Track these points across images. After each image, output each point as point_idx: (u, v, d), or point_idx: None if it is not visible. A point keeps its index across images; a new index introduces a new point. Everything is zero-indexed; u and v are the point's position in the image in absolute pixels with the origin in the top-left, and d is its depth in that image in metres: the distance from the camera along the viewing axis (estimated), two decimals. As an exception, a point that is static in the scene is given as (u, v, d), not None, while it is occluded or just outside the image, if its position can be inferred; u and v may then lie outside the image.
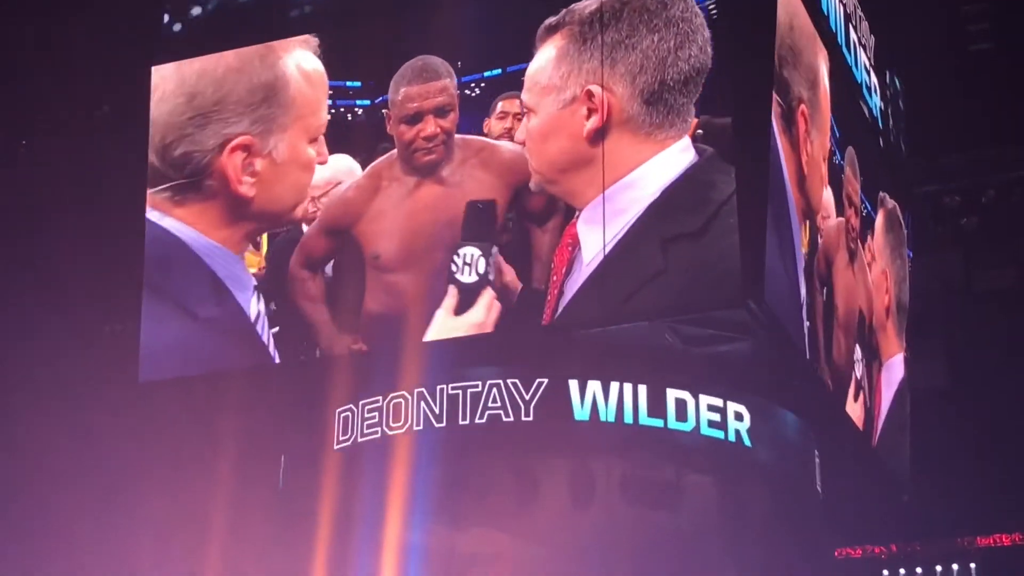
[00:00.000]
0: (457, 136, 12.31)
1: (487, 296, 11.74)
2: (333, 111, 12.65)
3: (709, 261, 11.16)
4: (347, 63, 12.73)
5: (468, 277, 11.76)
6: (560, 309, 11.72)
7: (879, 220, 15.00)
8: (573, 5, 11.48)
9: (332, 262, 12.72)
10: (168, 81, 11.92)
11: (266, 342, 12.35)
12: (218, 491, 15.24)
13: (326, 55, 12.41)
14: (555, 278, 11.78)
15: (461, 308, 11.86)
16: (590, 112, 11.27)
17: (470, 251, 11.78)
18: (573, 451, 14.48)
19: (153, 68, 12.67)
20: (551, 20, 11.56)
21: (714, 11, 11.65)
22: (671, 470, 14.92)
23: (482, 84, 12.40)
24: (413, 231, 12.22)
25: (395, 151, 12.52)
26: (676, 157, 11.24)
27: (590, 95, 11.24)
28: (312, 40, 12.13)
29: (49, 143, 16.12)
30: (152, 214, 11.98)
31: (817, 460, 15.69)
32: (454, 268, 11.78)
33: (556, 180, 11.66)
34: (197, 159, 11.73)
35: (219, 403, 14.10)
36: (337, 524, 14.61)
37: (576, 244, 11.66)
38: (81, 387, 15.72)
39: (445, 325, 11.86)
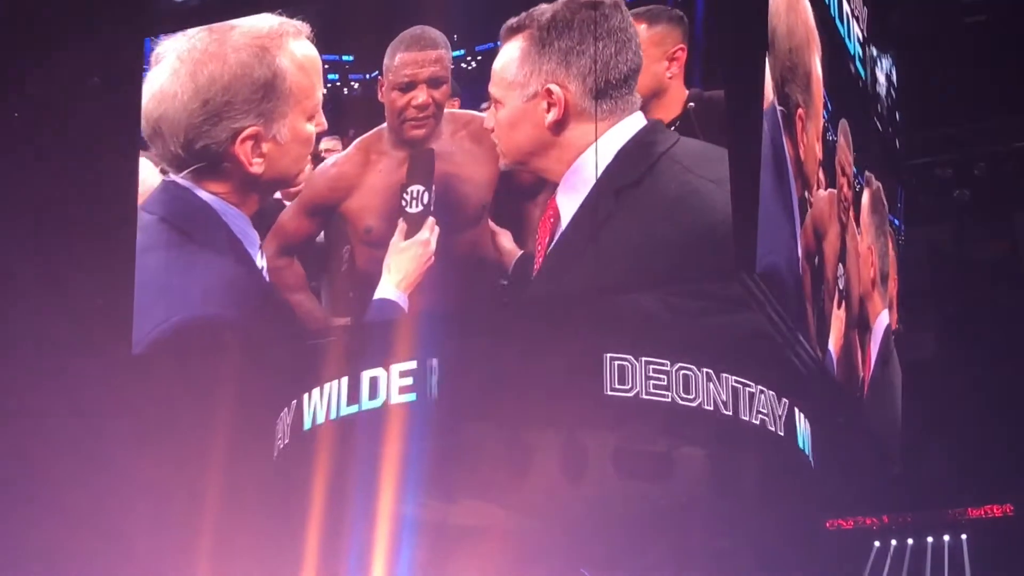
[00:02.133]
0: (446, 111, 13.15)
1: (430, 221, 13.00)
2: (329, 85, 13.48)
3: (651, 206, 12.31)
4: (341, 37, 13.63)
5: (415, 208, 13.06)
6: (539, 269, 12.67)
7: (865, 199, 15.25)
8: (532, 10, 12.82)
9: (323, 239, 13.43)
10: (186, 90, 13.02)
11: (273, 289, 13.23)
12: (212, 462, 15.32)
13: (319, 30, 13.21)
14: (539, 248, 12.66)
15: (410, 234, 13.03)
16: (550, 106, 12.55)
17: (416, 188, 13.08)
18: (565, 423, 14.63)
19: (156, 78, 13.03)
20: (513, 21, 12.81)
21: None
22: (663, 442, 15.05)
23: (478, 57, 13.27)
24: (401, 205, 13.13)
25: (383, 126, 13.22)
26: (629, 126, 12.51)
27: (550, 92, 12.56)
28: (304, 27, 13.16)
29: (40, 114, 16.07)
30: (186, 183, 13.08)
31: (807, 428, 15.79)
32: (404, 203, 13.08)
33: (525, 161, 12.80)
34: (214, 149, 12.99)
35: (214, 373, 14.36)
36: (330, 496, 14.70)
37: (557, 216, 12.56)
38: (75, 358, 15.73)
39: (399, 247, 13.05)
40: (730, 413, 14.89)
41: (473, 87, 13.17)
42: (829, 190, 13.80)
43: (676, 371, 14.82)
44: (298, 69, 13.11)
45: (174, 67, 13.01)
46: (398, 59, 13.10)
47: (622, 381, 14.76)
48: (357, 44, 13.65)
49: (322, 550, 15.08)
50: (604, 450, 14.89)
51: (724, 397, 14.89)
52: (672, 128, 12.56)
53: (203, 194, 13.07)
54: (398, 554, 14.89)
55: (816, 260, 13.52)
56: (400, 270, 12.96)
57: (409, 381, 14.70)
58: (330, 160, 13.37)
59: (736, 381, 14.98)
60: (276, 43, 13.21)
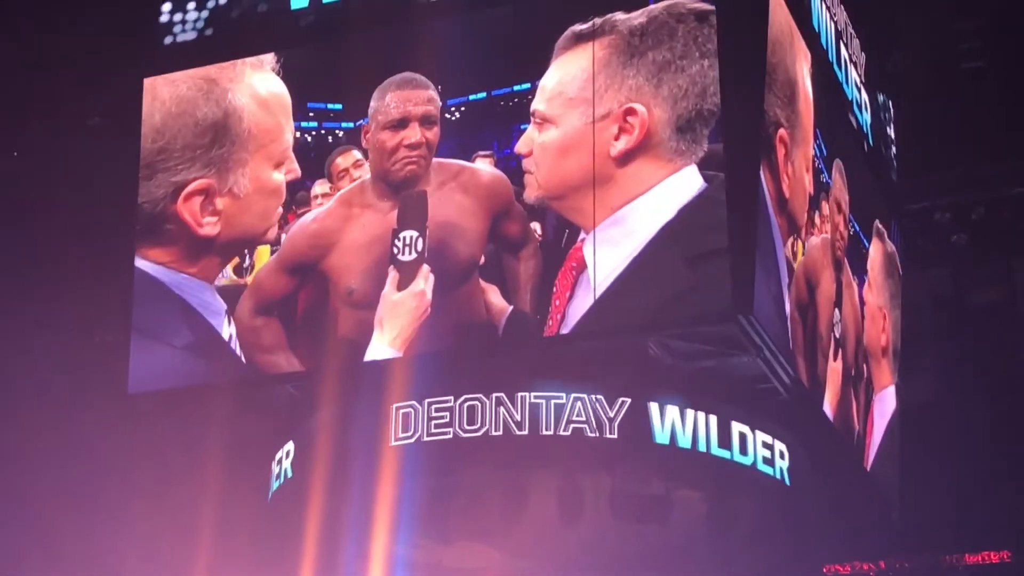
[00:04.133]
0: (434, 160, 12.09)
1: (424, 269, 11.72)
2: (315, 133, 12.37)
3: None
4: (329, 85, 12.46)
5: (408, 256, 11.76)
6: (568, 328, 11.65)
7: (876, 255, 14.77)
8: (614, 14, 11.08)
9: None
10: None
11: (244, 361, 12.26)
12: (205, 501, 15.18)
13: (305, 77, 12.18)
14: (558, 302, 11.64)
15: (403, 284, 11.81)
16: (621, 132, 10.95)
17: (409, 233, 11.80)
18: (561, 465, 14.49)
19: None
20: (581, 28, 11.16)
21: None
22: (660, 484, 14.92)
23: (463, 108, 12.16)
24: (387, 259, 12.10)
25: (366, 178, 12.16)
26: (687, 181, 11.10)
27: (630, 113, 10.90)
28: (266, 59, 11.80)
29: (40, 153, 16.08)
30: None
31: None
32: (395, 250, 11.75)
33: (565, 196, 11.41)
34: (148, 210, 11.53)
35: (206, 414, 14.02)
36: (323, 537, 14.59)
37: (581, 267, 11.43)
38: (70, 397, 15.68)
39: (392, 300, 11.78)
40: (526, 432, 13.52)
41: (457, 138, 12.07)
42: (822, 236, 13.40)
43: (460, 404, 13.41)
44: (260, 107, 11.72)
45: None
46: (389, 98, 12.04)
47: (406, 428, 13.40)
48: (347, 93, 12.39)
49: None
50: (599, 491, 14.74)
51: (518, 418, 13.55)
52: None
53: (144, 265, 11.65)
54: (392, 595, 14.77)
55: (809, 314, 13.09)
56: (394, 327, 11.80)
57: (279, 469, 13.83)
58: (310, 215, 12.18)
59: (536, 397, 13.50)
60: (228, 75, 11.74)
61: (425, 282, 11.76)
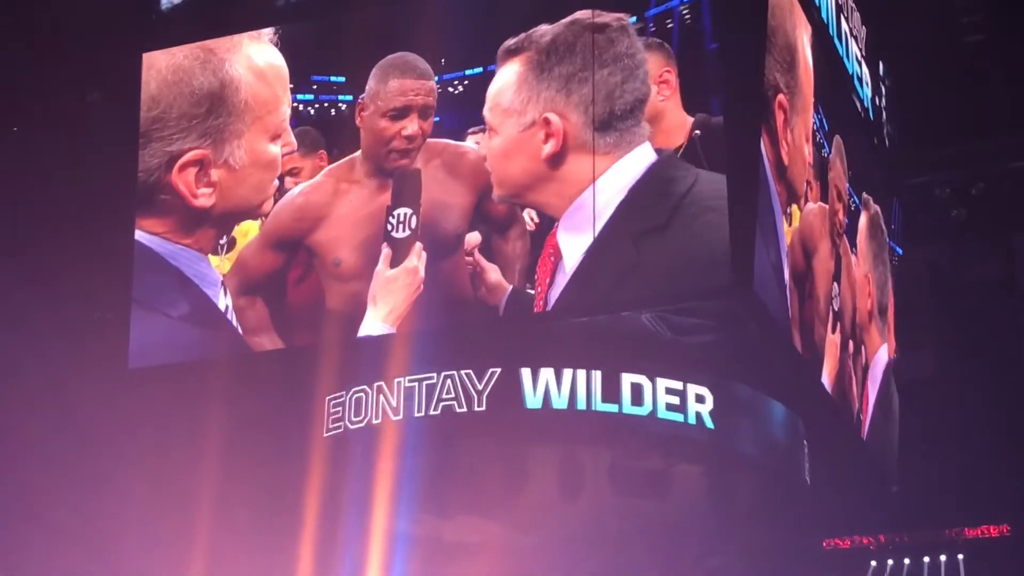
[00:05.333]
0: None
1: (417, 247, 12.01)
2: (316, 105, 12.46)
3: (678, 251, 11.54)
4: (331, 57, 12.56)
5: (402, 233, 12.03)
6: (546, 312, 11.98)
7: (863, 223, 14.97)
8: (531, 32, 11.78)
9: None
10: None
11: (241, 333, 12.29)
12: (205, 478, 15.20)
13: (308, 49, 12.23)
14: (539, 289, 11.94)
15: (396, 261, 12.04)
16: (548, 136, 11.61)
17: (403, 211, 12.06)
18: (560, 440, 14.52)
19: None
20: (511, 43, 11.85)
21: (687, 15, 12.09)
22: (659, 459, 14.94)
23: (465, 82, 12.42)
24: (376, 237, 12.18)
25: (355, 155, 12.29)
26: (636, 160, 11.61)
27: (548, 122, 11.61)
28: (264, 31, 11.84)
29: (39, 130, 16.05)
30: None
31: (806, 450, 15.71)
32: (389, 227, 12.02)
33: (520, 195, 11.94)
34: (143, 179, 11.46)
35: (205, 391, 13.99)
36: (324, 513, 14.59)
37: (558, 255, 11.86)
38: (69, 373, 15.68)
39: (385, 277, 12.01)
40: (401, 417, 14.22)
41: (459, 111, 12.31)
42: (819, 204, 13.46)
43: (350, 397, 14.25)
44: (257, 78, 11.62)
45: None
46: (391, 85, 12.15)
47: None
48: (349, 65, 12.46)
49: (316, 566, 14.96)
50: (599, 467, 14.77)
51: (394, 403, 14.21)
52: (678, 156, 11.71)
53: (140, 235, 11.63)
54: (392, 570, 14.80)
55: (805, 281, 13.18)
56: (388, 302, 11.99)
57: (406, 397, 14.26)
58: (296, 189, 12.20)
59: (410, 381, 14.11)
60: (225, 45, 11.72)
61: (418, 259, 12.04)
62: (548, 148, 11.63)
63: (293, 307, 12.42)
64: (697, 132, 11.82)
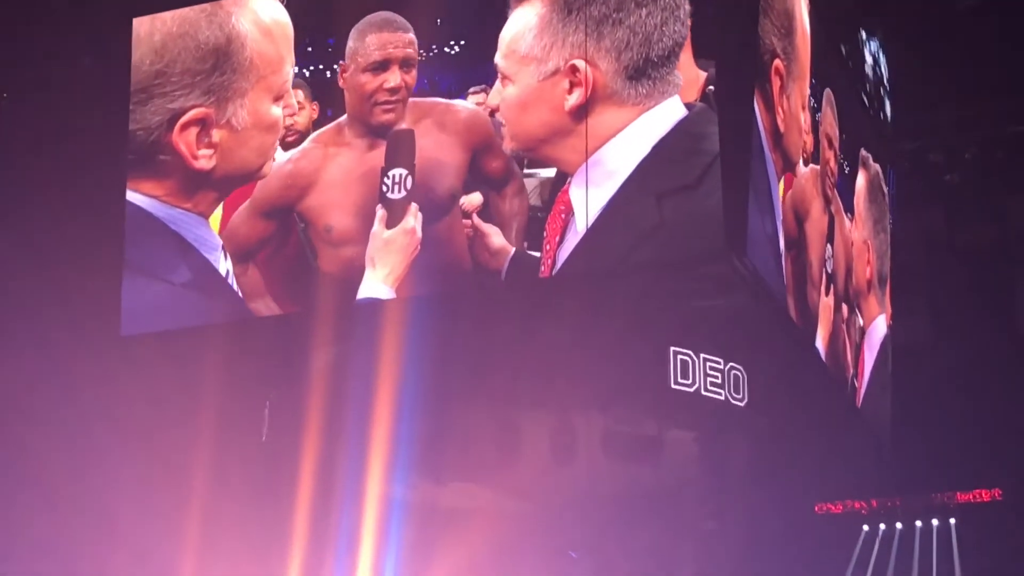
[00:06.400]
0: (409, 100, 12.03)
1: (413, 207, 11.65)
2: (311, 68, 12.21)
3: (705, 213, 11.01)
4: (324, 18, 12.31)
5: (397, 194, 11.71)
6: (555, 272, 11.59)
7: (861, 183, 14.82)
8: None
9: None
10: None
11: (241, 297, 12.24)
12: (199, 442, 15.18)
13: (302, 8, 11.94)
14: (548, 247, 11.55)
15: (392, 222, 11.74)
16: (572, 86, 10.97)
17: (398, 171, 11.72)
18: (555, 405, 14.50)
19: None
20: None
21: None
22: (653, 425, 14.93)
23: (461, 42, 12.02)
24: (368, 199, 11.94)
25: (341, 119, 12.07)
26: (665, 114, 11.01)
27: (574, 70, 10.94)
28: None
29: (30, 95, 15.97)
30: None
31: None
32: (384, 188, 11.68)
33: (536, 149, 11.47)
34: (142, 137, 11.21)
35: (199, 355, 13.93)
36: (318, 478, 14.60)
37: (569, 211, 11.42)
38: (61, 338, 15.65)
39: (383, 239, 11.73)
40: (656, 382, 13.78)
41: (457, 72, 11.93)
42: (811, 166, 13.21)
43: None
44: (263, 35, 11.33)
45: None
46: (369, 40, 11.85)
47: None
48: (340, 26, 12.07)
49: (310, 532, 14.99)
50: (594, 432, 14.75)
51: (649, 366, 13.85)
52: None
53: (137, 198, 11.45)
54: (387, 537, 14.82)
55: (797, 249, 13.05)
56: (386, 263, 11.76)
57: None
58: (284, 156, 11.97)
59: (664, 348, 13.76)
60: (233, 0, 11.41)
61: (415, 219, 11.75)
62: (573, 99, 10.97)
63: (286, 273, 12.33)
64: (711, 88, 11.25)
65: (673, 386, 13.98)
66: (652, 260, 11.30)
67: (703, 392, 14.08)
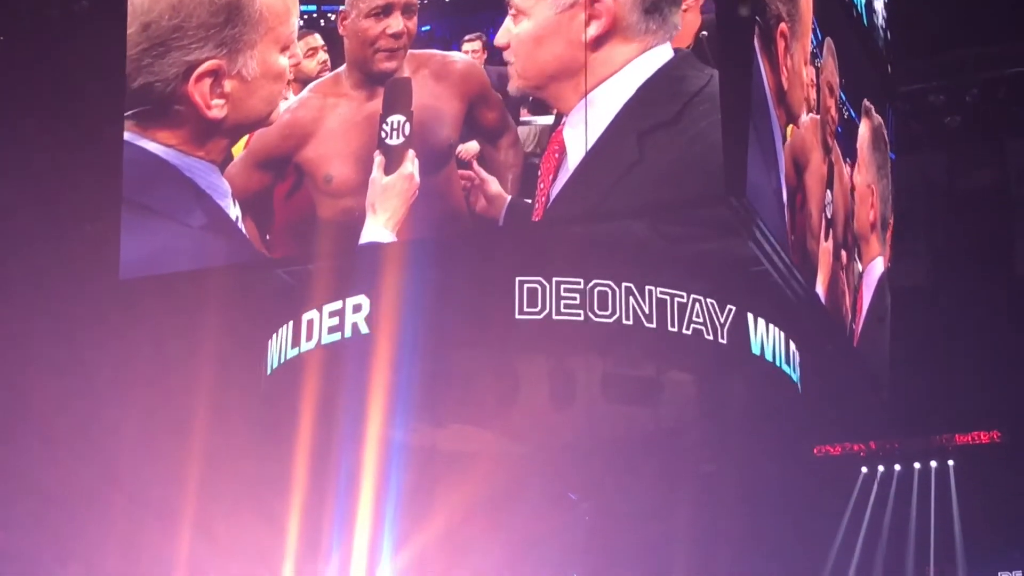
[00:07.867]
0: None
1: (410, 153, 11.87)
2: (316, 15, 12.30)
3: (685, 151, 11.29)
4: None
5: (395, 140, 11.89)
6: (548, 208, 11.84)
7: (864, 132, 14.83)
8: None
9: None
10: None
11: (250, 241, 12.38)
12: (201, 387, 15.23)
13: None
14: (542, 185, 11.80)
15: (390, 167, 11.91)
16: (590, 18, 11.20)
17: (396, 118, 11.90)
18: (553, 349, 14.52)
19: None
20: None
21: None
22: (652, 367, 14.97)
23: None
24: (367, 147, 12.09)
25: (340, 69, 12.17)
26: (653, 58, 11.34)
27: (595, 1, 11.17)
28: None
29: (26, 39, 15.89)
30: (129, 136, 11.85)
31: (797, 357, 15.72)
32: (383, 135, 11.86)
33: (544, 86, 11.65)
34: (159, 89, 11.44)
35: (201, 301, 14.01)
36: (319, 421, 14.65)
37: (563, 150, 11.67)
38: (61, 283, 15.67)
39: (382, 184, 11.93)
40: (654, 326, 13.51)
41: (451, 19, 12.10)
42: (811, 116, 13.34)
43: (591, 288, 13.31)
44: None
45: None
46: None
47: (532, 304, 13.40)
48: None
49: (311, 475, 15.06)
50: (592, 375, 14.79)
51: (647, 310, 13.58)
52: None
53: (153, 147, 11.69)
54: (387, 478, 14.89)
55: (798, 197, 13.09)
56: (386, 208, 11.94)
57: (336, 321, 13.68)
58: (282, 106, 12.12)
59: (662, 292, 13.54)
60: None
61: (412, 165, 11.93)
62: (593, 30, 11.22)
63: (285, 222, 12.38)
64: (704, 33, 11.55)
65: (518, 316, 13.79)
66: (631, 206, 11.64)
67: (553, 317, 13.97)
